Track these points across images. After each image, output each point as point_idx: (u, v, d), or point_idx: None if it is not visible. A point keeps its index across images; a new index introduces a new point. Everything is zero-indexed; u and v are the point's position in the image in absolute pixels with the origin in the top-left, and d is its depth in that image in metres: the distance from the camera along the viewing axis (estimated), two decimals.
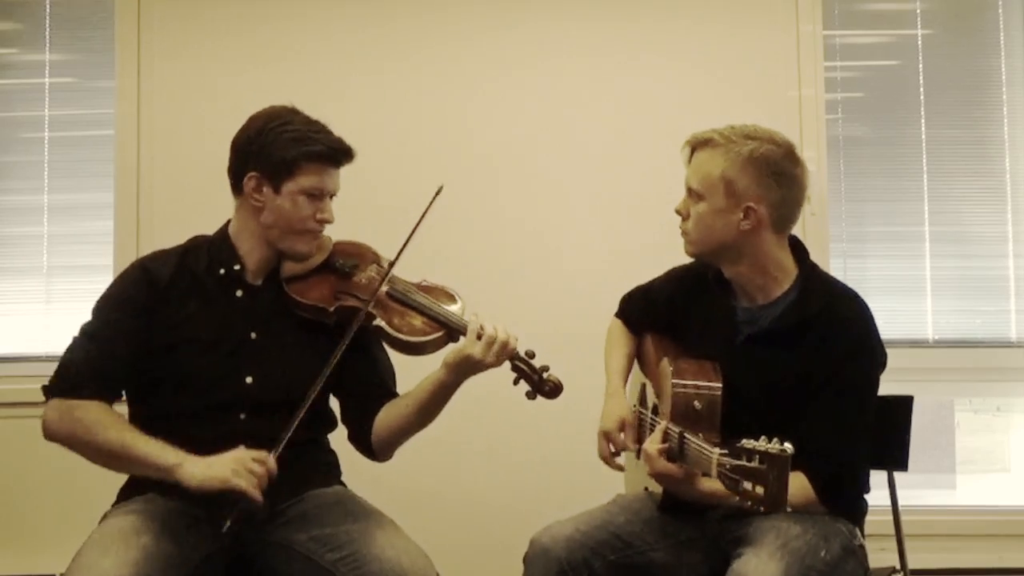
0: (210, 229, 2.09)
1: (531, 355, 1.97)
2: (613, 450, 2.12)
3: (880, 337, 1.97)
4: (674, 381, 1.92)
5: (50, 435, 1.89)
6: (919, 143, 3.26)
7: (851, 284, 2.05)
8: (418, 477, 3.05)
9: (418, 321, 1.98)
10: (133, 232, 3.12)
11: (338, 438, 2.13)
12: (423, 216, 1.99)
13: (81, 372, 1.90)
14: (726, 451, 1.63)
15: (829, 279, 2.04)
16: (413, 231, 1.98)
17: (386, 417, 2.02)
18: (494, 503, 3.09)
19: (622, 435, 2.09)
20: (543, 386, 1.96)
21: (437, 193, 2.00)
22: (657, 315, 2.21)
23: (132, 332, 1.94)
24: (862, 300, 1.99)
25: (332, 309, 1.98)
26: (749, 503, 1.57)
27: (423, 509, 2.78)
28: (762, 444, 1.58)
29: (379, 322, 1.97)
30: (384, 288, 1.99)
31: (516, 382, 1.97)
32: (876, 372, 1.95)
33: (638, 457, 2.17)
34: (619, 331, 2.29)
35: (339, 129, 2.05)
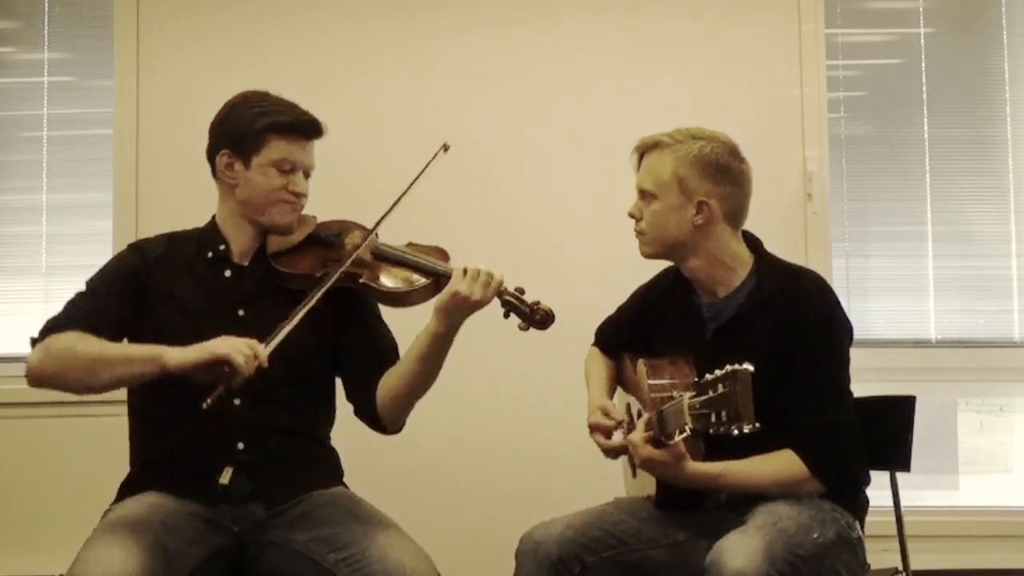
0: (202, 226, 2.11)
1: (520, 291, 1.99)
2: (609, 438, 2.11)
3: (842, 308, 2.02)
4: (650, 382, 1.94)
5: (31, 376, 1.88)
6: (922, 142, 3.25)
7: (853, 284, 2.06)
8: (417, 477, 3.06)
9: (404, 273, 2.00)
10: (132, 231, 3.10)
11: (338, 438, 2.13)
12: (422, 171, 2.02)
13: (65, 318, 1.93)
14: (694, 392, 1.65)
15: (785, 262, 2.08)
16: (408, 187, 2.01)
17: (387, 381, 2.02)
18: (495, 503, 3.09)
19: (606, 419, 2.09)
20: (534, 315, 1.97)
21: (443, 150, 2.04)
22: (630, 334, 2.24)
23: (122, 289, 1.98)
24: (819, 276, 2.05)
25: (319, 276, 1.99)
26: (722, 429, 1.58)
27: (424, 509, 2.78)
28: (720, 371, 1.59)
29: (364, 280, 1.98)
30: (368, 248, 2.01)
31: (507, 315, 1.98)
32: (843, 339, 1.99)
33: (634, 475, 2.18)
34: (596, 355, 2.33)
35: (339, 127, 2.07)
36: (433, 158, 2.03)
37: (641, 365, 2.02)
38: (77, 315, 1.92)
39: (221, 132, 2.02)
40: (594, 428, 2.10)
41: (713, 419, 1.59)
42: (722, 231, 2.01)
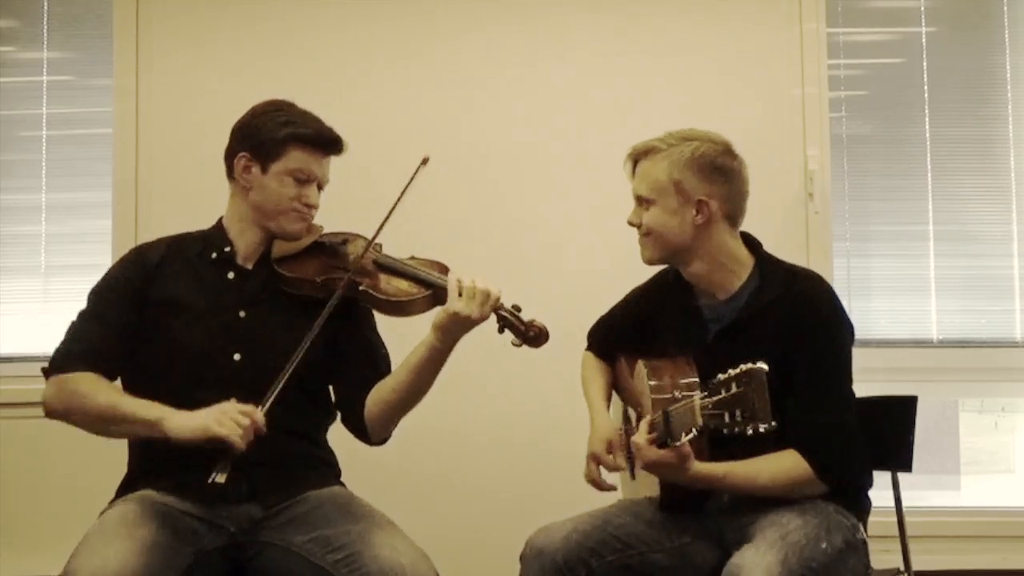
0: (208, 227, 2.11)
1: (517, 308, 1.99)
2: (602, 472, 2.12)
3: (844, 310, 2.02)
4: (652, 383, 1.93)
5: (49, 411, 1.95)
6: (923, 141, 3.25)
7: (855, 283, 2.06)
8: (417, 477, 3.05)
9: (404, 284, 2.02)
10: (131, 231, 3.11)
11: (339, 438, 2.12)
12: (407, 186, 2.03)
13: (75, 349, 1.96)
14: (705, 392, 1.65)
15: (785, 263, 2.08)
16: (397, 200, 2.01)
17: (378, 392, 2.03)
18: (495, 503, 3.08)
19: (611, 456, 2.11)
20: (528, 331, 1.98)
21: (423, 164, 2.05)
22: (625, 336, 2.24)
23: (125, 310, 1.99)
24: (821, 277, 2.05)
25: (320, 281, 2.01)
26: (737, 429, 1.59)
27: (423, 509, 2.77)
28: (734, 371, 1.60)
29: (365, 287, 2.00)
30: (370, 258, 2.03)
31: (501, 330, 1.99)
32: (846, 341, 1.99)
33: (632, 477, 2.18)
34: (592, 361, 2.33)
35: (339, 127, 2.08)
36: (416, 173, 2.04)
37: (641, 367, 2.01)
38: (84, 349, 1.95)
39: (243, 135, 2.05)
40: (594, 458, 2.11)
41: (727, 419, 1.60)
42: (722, 231, 2.01)
